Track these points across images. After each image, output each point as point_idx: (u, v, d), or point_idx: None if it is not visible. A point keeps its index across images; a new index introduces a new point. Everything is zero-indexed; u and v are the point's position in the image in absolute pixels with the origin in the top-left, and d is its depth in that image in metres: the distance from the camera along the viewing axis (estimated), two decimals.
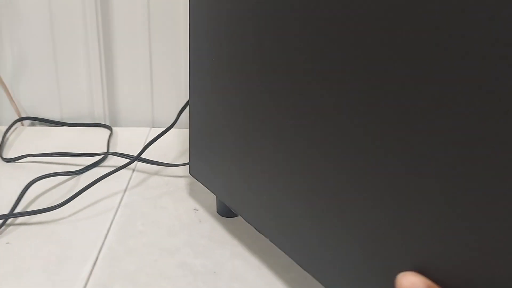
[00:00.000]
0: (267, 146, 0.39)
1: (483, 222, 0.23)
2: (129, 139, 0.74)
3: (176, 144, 0.72)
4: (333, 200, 0.33)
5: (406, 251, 0.27)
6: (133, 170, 0.64)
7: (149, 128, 0.79)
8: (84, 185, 0.54)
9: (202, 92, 0.48)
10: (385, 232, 0.28)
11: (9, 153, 0.68)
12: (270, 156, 0.39)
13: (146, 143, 0.59)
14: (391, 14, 0.26)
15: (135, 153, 0.61)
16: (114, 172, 0.57)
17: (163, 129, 0.59)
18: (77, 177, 0.61)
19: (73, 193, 0.53)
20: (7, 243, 0.48)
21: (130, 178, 0.62)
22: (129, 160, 0.60)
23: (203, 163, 0.51)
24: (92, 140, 0.73)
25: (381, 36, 0.27)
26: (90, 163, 0.64)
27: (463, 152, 0.23)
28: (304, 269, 0.37)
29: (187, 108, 0.53)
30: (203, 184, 0.51)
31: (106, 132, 0.76)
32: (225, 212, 0.54)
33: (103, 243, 0.48)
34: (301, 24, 0.33)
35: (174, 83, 0.78)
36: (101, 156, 0.65)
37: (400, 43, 0.26)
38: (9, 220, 0.51)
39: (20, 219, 0.52)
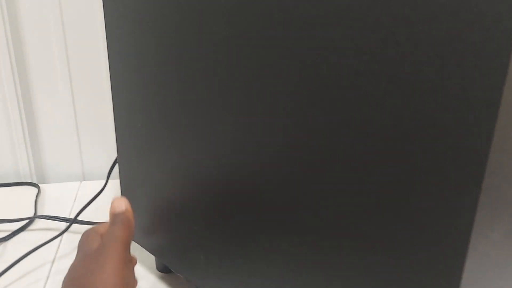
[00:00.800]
0: (204, 204, 0.39)
1: None
2: (58, 197, 0.71)
3: (109, 197, 0.70)
4: (271, 257, 0.34)
5: None
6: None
7: (79, 182, 0.76)
8: (12, 253, 0.52)
9: (130, 145, 0.47)
10: None
11: None
12: (209, 213, 0.39)
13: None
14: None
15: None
16: (45, 244, 0.54)
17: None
18: (4, 244, 0.58)
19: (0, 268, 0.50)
20: None
21: (61, 241, 0.59)
22: (65, 223, 0.58)
23: (138, 223, 0.50)
24: (19, 202, 0.70)
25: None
26: (17, 228, 0.61)
27: None
28: None
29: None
30: (139, 244, 0.51)
31: (34, 190, 0.73)
32: (164, 268, 0.53)
33: None
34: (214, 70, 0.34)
35: (101, 129, 0.77)
36: (27, 221, 0.62)
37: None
38: None
39: None
